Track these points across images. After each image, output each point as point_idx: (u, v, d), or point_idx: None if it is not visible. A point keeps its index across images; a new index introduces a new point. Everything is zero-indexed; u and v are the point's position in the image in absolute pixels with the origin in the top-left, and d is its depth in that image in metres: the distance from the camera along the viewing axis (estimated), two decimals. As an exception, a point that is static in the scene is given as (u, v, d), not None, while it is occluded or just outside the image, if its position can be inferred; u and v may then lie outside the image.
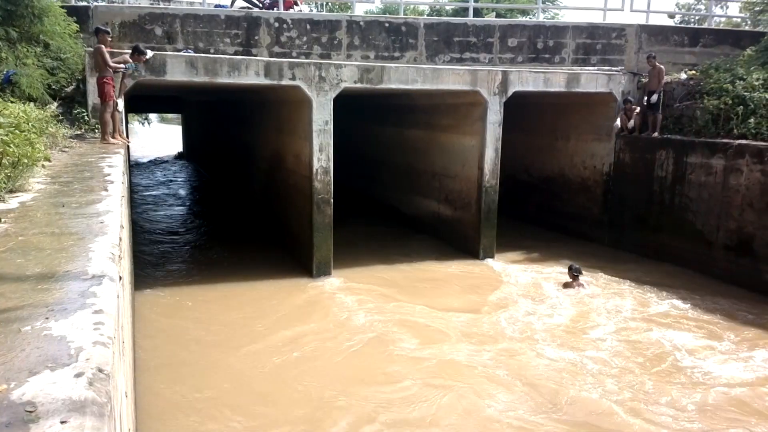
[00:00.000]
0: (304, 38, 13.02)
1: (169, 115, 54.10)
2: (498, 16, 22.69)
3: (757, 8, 19.14)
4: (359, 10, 37.57)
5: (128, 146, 9.81)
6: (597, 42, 14.32)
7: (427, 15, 27.63)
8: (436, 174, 13.46)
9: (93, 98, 9.13)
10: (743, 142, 10.26)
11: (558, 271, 10.78)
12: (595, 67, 13.89)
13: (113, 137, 8.55)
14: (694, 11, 26.31)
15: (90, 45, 10.37)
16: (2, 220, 3.82)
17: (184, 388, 6.49)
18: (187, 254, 12.43)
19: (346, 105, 12.13)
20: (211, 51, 12.37)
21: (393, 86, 10.78)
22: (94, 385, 1.79)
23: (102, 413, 1.67)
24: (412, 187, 14.58)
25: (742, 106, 10.79)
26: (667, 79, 12.22)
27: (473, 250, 11.96)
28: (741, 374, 6.99)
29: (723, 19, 22.17)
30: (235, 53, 12.43)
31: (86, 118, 9.31)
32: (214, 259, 11.77)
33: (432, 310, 8.96)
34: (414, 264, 11.49)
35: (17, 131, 5.39)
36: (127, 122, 11.12)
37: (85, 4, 13.71)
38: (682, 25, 19.09)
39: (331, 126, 10.31)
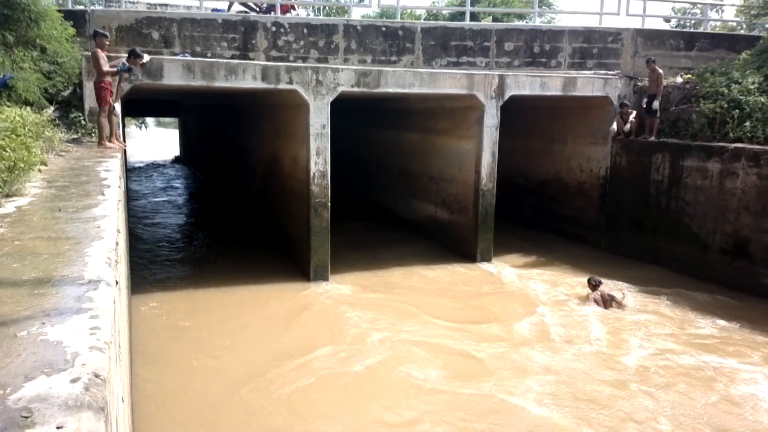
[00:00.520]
0: (302, 42, 13.04)
1: (166, 119, 54.16)
2: (494, 20, 22.80)
3: (753, 12, 19.26)
4: (356, 15, 37.75)
5: (125, 150, 9.80)
6: (593, 46, 14.37)
7: (424, 19, 27.73)
8: (433, 177, 13.47)
9: (90, 102, 9.11)
10: (739, 145, 10.29)
11: (558, 276, 10.79)
12: (592, 71, 13.95)
13: (110, 141, 8.53)
14: (689, 15, 26.42)
15: (87, 49, 10.36)
16: (-2, 224, 3.81)
17: (181, 392, 6.47)
18: (184, 257, 12.39)
19: (344, 109, 12.15)
20: (208, 55, 12.38)
21: (390, 90, 10.80)
22: (90, 390, 1.78)
23: (98, 418, 1.66)
24: (409, 191, 14.59)
25: (737, 110, 10.83)
26: (663, 82, 12.26)
27: (470, 254, 11.97)
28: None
29: (719, 23, 22.27)
30: (232, 57, 12.44)
31: (83, 122, 9.29)
32: (210, 263, 11.75)
33: (433, 318, 8.81)
34: (411, 267, 11.49)
35: (14, 135, 5.39)
36: (123, 126, 11.12)
37: (82, 8, 13.73)
38: (678, 29, 19.22)
39: (328, 130, 10.31)
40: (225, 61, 10.32)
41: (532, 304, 9.48)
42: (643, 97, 12.32)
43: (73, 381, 1.81)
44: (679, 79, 12.98)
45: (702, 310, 9.16)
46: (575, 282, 10.45)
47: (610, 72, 13.68)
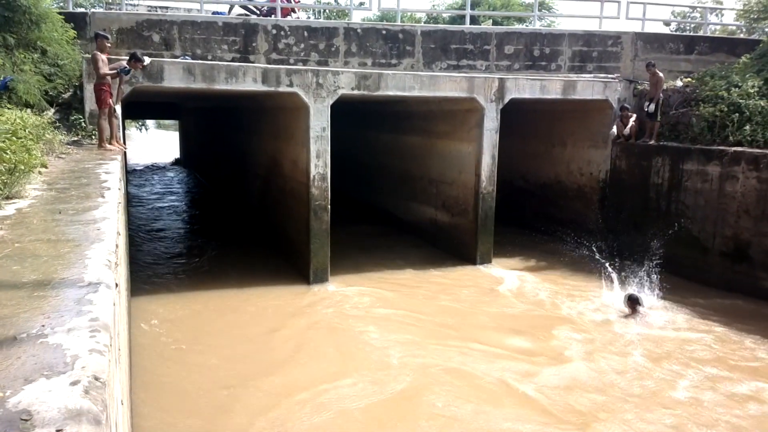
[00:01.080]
0: (302, 45, 13.05)
1: (166, 122, 54.20)
2: (494, 23, 22.83)
3: (753, 16, 19.25)
4: (356, 18, 37.80)
5: (125, 153, 9.80)
6: (593, 49, 14.39)
7: (424, 22, 27.74)
8: (433, 180, 13.48)
9: (90, 104, 9.11)
10: (739, 149, 10.30)
11: (558, 279, 10.77)
12: (591, 75, 13.95)
13: (110, 143, 8.53)
14: (689, 19, 26.44)
15: (87, 51, 10.36)
16: (-2, 226, 3.80)
17: (180, 395, 6.46)
18: (183, 260, 12.38)
19: (344, 111, 12.16)
20: (209, 58, 12.38)
21: (390, 93, 10.81)
22: (90, 393, 1.78)
23: (98, 421, 1.66)
24: (409, 194, 14.59)
25: (737, 114, 10.85)
26: (663, 86, 12.27)
27: (470, 257, 11.97)
28: None
29: (718, 27, 22.27)
30: (233, 60, 12.44)
31: (83, 124, 9.29)
32: (210, 265, 11.74)
33: (438, 327, 8.67)
34: (411, 270, 11.48)
35: (14, 138, 5.39)
36: (124, 128, 11.12)
37: (82, 10, 13.73)
38: (678, 33, 19.20)
39: (328, 132, 10.32)
40: (225, 63, 10.33)
41: (540, 311, 9.46)
42: (643, 101, 12.34)
43: (73, 384, 1.81)
44: (679, 83, 13.00)
45: (701, 315, 9.15)
46: (576, 285, 10.45)
47: (610, 75, 13.69)
